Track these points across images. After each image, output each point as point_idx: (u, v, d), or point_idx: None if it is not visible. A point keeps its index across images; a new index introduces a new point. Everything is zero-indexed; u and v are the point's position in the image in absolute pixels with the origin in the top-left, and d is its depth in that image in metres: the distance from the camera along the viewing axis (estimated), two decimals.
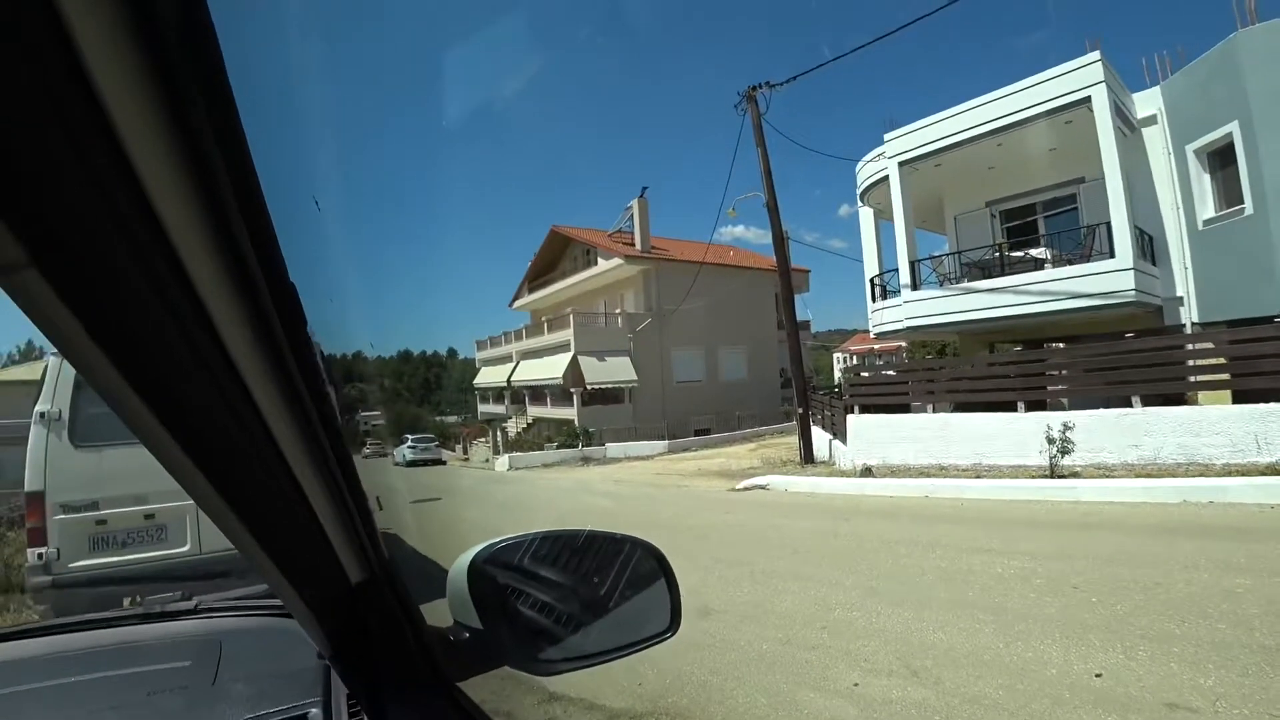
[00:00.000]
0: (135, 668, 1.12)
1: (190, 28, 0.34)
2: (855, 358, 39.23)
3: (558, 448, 23.73)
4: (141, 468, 3.80)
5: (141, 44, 0.32)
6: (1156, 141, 12.16)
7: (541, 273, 34.63)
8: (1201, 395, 8.70)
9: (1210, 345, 8.95)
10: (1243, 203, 10.41)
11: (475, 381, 37.56)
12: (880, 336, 16.53)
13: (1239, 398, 8.32)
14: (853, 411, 12.17)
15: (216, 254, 0.40)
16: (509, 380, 30.77)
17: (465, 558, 1.01)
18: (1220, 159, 11.03)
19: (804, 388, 14.29)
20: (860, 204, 16.61)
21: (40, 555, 4.18)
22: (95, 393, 0.43)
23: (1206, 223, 11.38)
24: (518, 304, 37.03)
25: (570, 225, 32.51)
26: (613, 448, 23.07)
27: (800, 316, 18.80)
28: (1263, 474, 7.01)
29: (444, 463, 27.71)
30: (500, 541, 1.07)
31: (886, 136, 14.21)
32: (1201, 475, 7.43)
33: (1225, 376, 8.46)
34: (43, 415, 4.29)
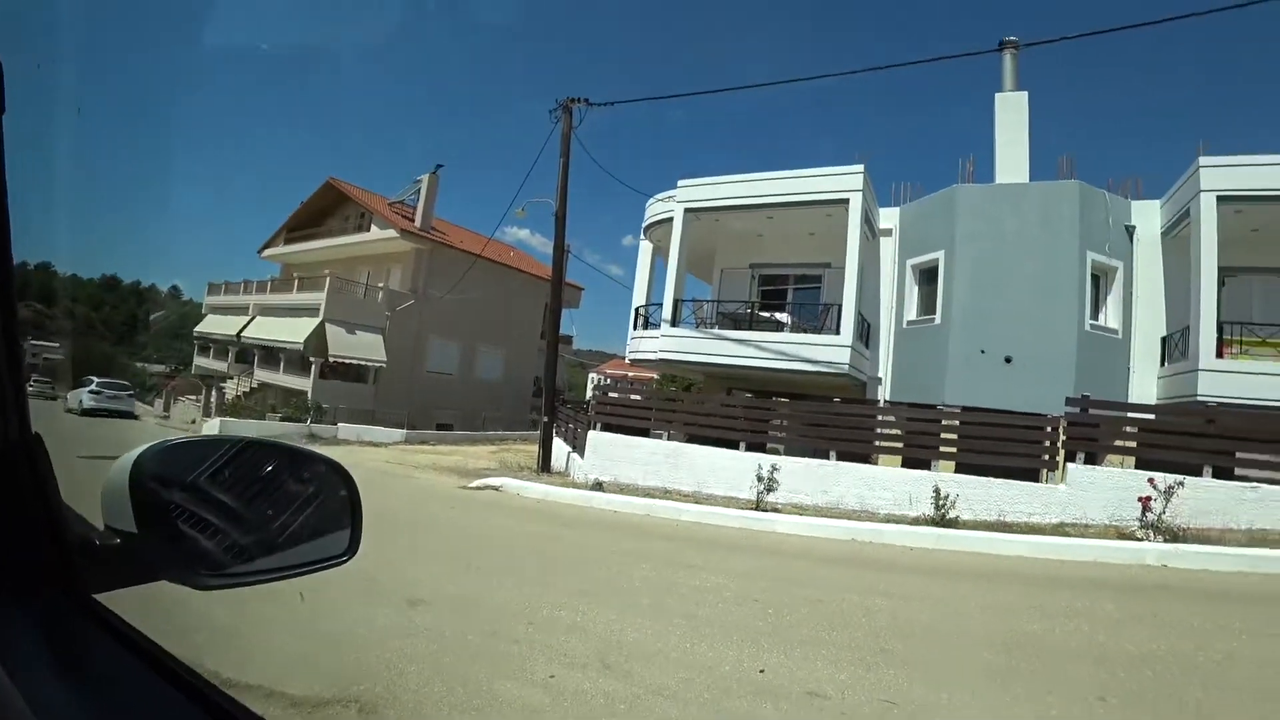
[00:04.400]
0: None
1: None
2: (608, 379, 40.74)
3: (282, 419, 20.96)
4: None
5: None
6: (888, 250, 14.59)
7: (305, 225, 30.75)
8: (881, 458, 10.40)
9: (893, 419, 10.80)
10: (934, 314, 12.91)
11: (197, 329, 32.22)
12: (635, 363, 17.39)
13: (907, 463, 10.11)
14: (595, 428, 12.56)
15: None
16: (239, 335, 26.87)
17: (132, 454, 0.84)
18: (927, 276, 13.57)
19: (553, 398, 14.44)
20: (643, 237, 17.43)
21: None
22: None
23: (909, 323, 13.88)
24: (268, 252, 32.57)
25: (350, 182, 29.65)
26: (345, 429, 21.01)
27: (565, 330, 19.10)
28: (911, 524, 8.49)
29: (136, 417, 22.81)
30: (181, 439, 0.91)
31: (680, 182, 15.15)
32: (869, 520, 8.80)
33: (900, 445, 10.29)
34: None
